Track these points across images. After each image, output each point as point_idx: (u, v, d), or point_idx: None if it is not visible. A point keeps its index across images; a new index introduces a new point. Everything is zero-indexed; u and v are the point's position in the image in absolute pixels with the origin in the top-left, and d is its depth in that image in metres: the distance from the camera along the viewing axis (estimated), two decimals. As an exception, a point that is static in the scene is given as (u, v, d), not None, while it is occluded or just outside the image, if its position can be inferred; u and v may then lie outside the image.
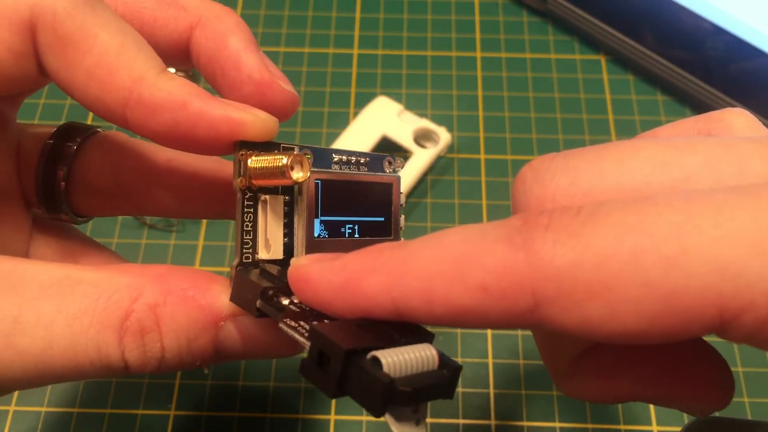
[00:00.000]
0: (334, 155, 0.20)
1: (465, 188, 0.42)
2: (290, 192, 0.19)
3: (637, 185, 0.14)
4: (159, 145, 0.19)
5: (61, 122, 0.24)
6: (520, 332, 0.37)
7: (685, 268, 0.11)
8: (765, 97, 0.42)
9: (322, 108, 0.46)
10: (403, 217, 0.22)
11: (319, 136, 0.44)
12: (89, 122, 0.24)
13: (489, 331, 0.37)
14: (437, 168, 0.43)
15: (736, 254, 0.11)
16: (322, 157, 0.20)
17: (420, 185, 0.42)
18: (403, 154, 0.42)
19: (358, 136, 0.42)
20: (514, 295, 0.13)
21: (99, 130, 0.24)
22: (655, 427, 0.34)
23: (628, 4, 0.46)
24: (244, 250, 0.18)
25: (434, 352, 0.15)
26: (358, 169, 0.21)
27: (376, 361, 0.14)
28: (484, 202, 0.42)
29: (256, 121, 0.18)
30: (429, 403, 0.15)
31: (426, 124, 0.42)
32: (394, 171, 0.22)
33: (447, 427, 0.34)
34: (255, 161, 0.18)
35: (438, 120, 0.44)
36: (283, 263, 0.19)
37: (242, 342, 0.18)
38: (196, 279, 0.18)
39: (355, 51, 0.48)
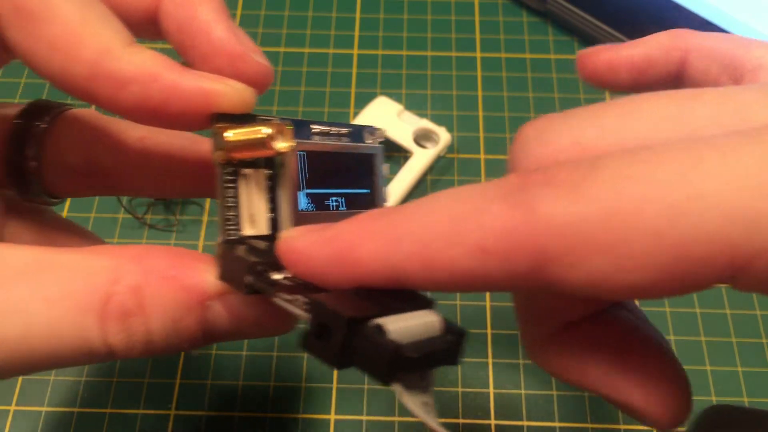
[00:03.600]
0: (313, 126, 0.20)
1: (465, 188, 0.42)
2: (272, 165, 0.19)
3: (640, 143, 0.13)
4: (132, 123, 0.19)
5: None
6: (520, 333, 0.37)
7: (691, 215, 0.11)
8: None
9: (322, 108, 0.46)
10: (387, 189, 0.21)
11: (319, 136, 0.44)
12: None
13: (488, 332, 0.37)
14: (437, 168, 0.43)
15: (743, 199, 0.11)
16: (302, 129, 0.19)
17: (420, 185, 0.42)
18: (404, 154, 0.43)
19: (358, 136, 0.42)
20: (515, 256, 0.12)
21: (70, 107, 0.23)
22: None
23: (628, 4, 0.46)
24: (228, 227, 0.18)
25: (438, 317, 0.15)
26: (339, 141, 0.20)
27: (380, 328, 0.14)
28: (484, 202, 0.42)
29: (231, 92, 0.17)
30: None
31: (426, 124, 0.42)
32: (376, 141, 0.21)
33: (447, 427, 0.34)
34: (234, 133, 0.17)
35: (438, 120, 0.44)
36: (269, 239, 0.18)
37: (231, 321, 0.18)
38: (178, 258, 0.17)
39: (355, 51, 0.48)
